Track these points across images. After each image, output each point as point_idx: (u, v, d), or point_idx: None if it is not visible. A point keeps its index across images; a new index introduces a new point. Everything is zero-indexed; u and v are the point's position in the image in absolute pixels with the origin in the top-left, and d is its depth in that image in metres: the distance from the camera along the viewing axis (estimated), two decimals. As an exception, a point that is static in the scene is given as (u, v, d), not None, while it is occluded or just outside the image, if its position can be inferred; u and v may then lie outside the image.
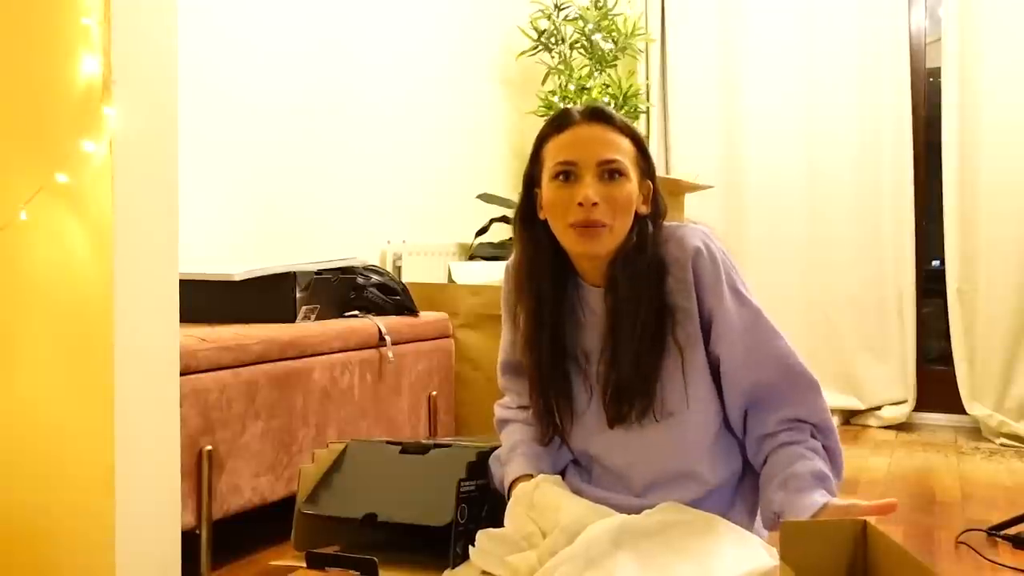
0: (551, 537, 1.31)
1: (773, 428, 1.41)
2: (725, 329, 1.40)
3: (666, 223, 1.46)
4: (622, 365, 1.40)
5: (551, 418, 1.49)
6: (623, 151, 1.40)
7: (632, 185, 1.40)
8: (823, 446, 1.41)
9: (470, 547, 1.40)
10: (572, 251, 1.44)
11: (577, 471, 1.52)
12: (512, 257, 1.56)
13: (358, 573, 1.50)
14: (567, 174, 1.39)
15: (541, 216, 1.45)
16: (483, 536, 1.39)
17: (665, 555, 1.24)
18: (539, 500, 1.39)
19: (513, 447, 1.53)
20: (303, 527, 1.66)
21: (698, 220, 1.52)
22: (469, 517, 1.51)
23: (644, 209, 1.44)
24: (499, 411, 1.65)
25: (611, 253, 1.42)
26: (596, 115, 1.42)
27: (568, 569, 1.21)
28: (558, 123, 1.44)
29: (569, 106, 1.45)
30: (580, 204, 1.36)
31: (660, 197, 1.46)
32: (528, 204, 1.48)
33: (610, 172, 1.38)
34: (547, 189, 1.42)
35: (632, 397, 1.40)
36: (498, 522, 1.44)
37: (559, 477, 1.48)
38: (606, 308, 1.43)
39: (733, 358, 1.41)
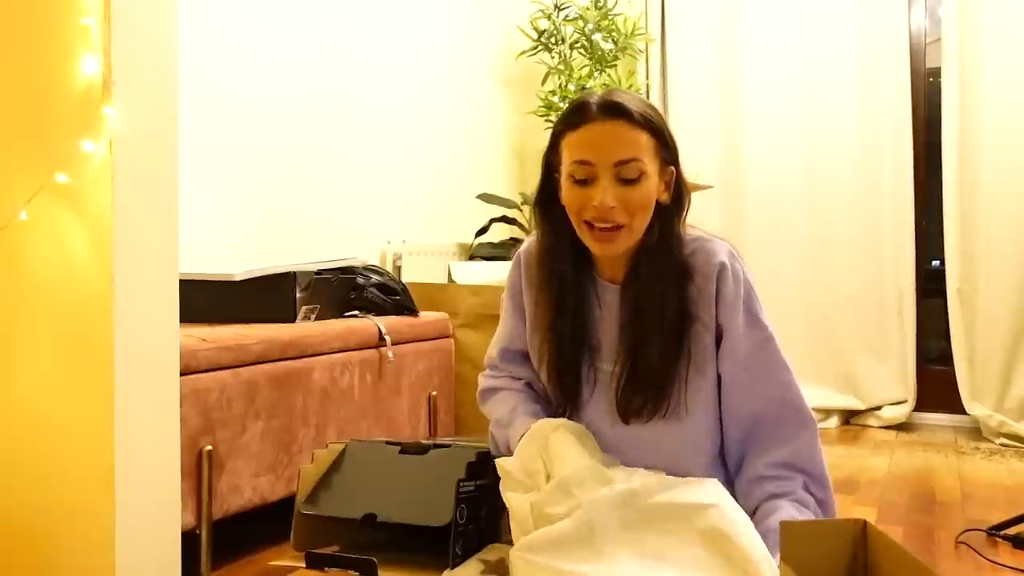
0: (546, 489, 1.31)
1: (764, 471, 1.40)
2: (732, 347, 1.40)
3: (692, 231, 1.46)
4: (647, 357, 1.39)
5: (565, 401, 1.49)
6: (640, 147, 1.38)
7: (650, 183, 1.39)
8: (816, 499, 1.39)
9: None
10: (590, 249, 1.44)
11: None
12: (528, 242, 1.55)
13: (357, 573, 1.50)
14: (584, 175, 1.38)
15: (562, 200, 1.44)
16: (498, 463, 1.43)
17: (669, 548, 1.23)
18: (553, 444, 1.39)
19: (513, 409, 1.53)
20: (303, 527, 1.66)
21: (724, 236, 1.50)
22: (468, 517, 1.51)
23: (665, 197, 1.43)
24: (486, 381, 1.64)
25: (631, 249, 1.41)
26: (613, 110, 1.38)
27: (568, 554, 1.21)
28: (575, 119, 1.41)
29: (587, 96, 1.41)
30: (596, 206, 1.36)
31: (683, 183, 1.45)
32: (547, 187, 1.47)
33: (627, 172, 1.37)
34: (564, 186, 1.42)
35: (648, 391, 1.40)
36: (497, 522, 1.44)
37: (582, 426, 1.46)
38: (621, 303, 1.43)
39: (735, 378, 1.41)
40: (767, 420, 1.41)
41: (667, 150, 1.43)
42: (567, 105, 1.46)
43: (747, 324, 1.41)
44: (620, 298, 1.44)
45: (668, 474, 1.42)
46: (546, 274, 1.48)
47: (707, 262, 1.41)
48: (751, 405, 1.41)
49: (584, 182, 1.38)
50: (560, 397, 1.50)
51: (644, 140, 1.39)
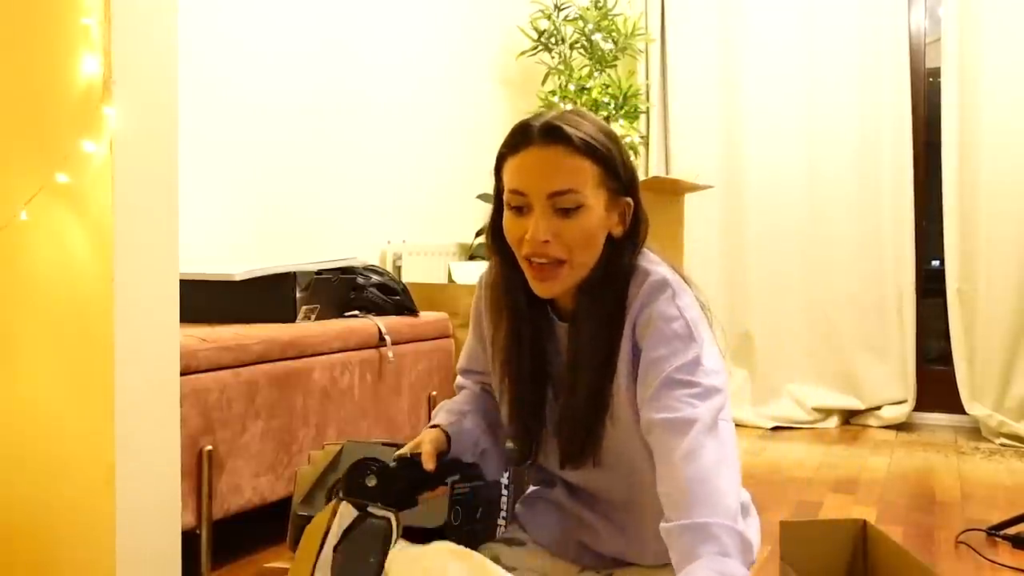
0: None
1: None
2: (640, 396, 1.24)
3: (643, 263, 1.32)
4: (577, 402, 1.30)
5: (528, 438, 1.40)
6: (580, 177, 1.25)
7: (591, 215, 1.26)
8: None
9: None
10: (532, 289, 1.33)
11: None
12: (486, 272, 1.49)
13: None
14: (519, 205, 1.27)
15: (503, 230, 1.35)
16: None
17: None
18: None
19: (449, 410, 1.48)
20: (298, 529, 1.66)
21: (688, 275, 1.33)
22: (463, 519, 1.50)
23: (618, 231, 1.30)
24: (459, 379, 1.63)
25: (577, 284, 1.30)
26: (552, 135, 1.25)
27: None
28: (515, 141, 1.29)
29: (531, 118, 1.30)
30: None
31: (641, 214, 1.32)
32: (498, 215, 1.36)
33: (563, 204, 1.24)
34: (504, 215, 1.31)
35: (577, 438, 1.30)
36: (492, 523, 1.44)
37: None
38: (568, 343, 1.33)
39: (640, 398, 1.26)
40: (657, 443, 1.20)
41: (617, 180, 1.29)
42: (510, 131, 1.32)
43: (661, 349, 1.22)
44: (568, 337, 1.33)
45: (627, 523, 1.33)
46: (501, 308, 1.38)
47: (635, 295, 1.27)
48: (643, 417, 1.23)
49: (520, 211, 1.27)
50: (522, 434, 1.42)
51: (586, 169, 1.25)
